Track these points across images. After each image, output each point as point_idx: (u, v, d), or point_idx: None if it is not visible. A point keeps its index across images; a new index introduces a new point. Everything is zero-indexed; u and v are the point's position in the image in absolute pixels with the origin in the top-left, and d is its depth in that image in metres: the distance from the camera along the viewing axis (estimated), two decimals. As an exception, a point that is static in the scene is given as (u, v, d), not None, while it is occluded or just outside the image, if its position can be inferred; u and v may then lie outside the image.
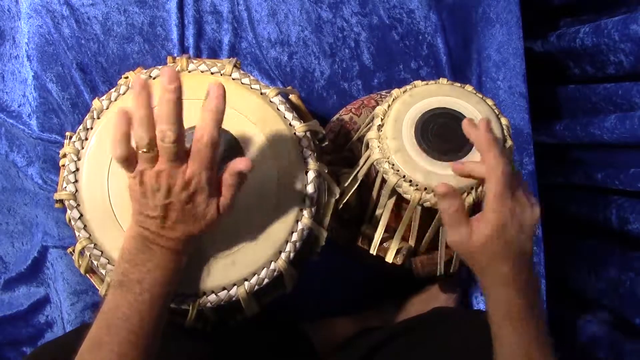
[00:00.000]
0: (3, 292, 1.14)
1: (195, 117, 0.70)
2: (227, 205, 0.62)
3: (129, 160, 0.59)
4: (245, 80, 0.76)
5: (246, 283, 0.69)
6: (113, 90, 0.75)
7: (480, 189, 0.75)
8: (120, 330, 0.59)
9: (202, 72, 0.76)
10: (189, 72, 0.77)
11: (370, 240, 0.87)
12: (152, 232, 0.61)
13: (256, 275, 0.69)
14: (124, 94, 0.74)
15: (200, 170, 0.59)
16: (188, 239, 0.62)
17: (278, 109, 0.75)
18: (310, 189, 0.72)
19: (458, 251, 0.71)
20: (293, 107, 0.80)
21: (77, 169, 0.71)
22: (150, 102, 0.57)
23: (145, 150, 0.57)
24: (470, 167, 0.73)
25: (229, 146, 0.70)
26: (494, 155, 0.67)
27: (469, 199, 0.74)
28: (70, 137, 0.74)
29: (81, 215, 0.70)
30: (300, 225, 0.71)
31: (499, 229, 0.66)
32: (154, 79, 0.75)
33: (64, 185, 0.71)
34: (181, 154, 0.58)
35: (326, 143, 0.83)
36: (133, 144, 0.59)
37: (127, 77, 0.76)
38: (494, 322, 0.68)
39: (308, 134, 0.75)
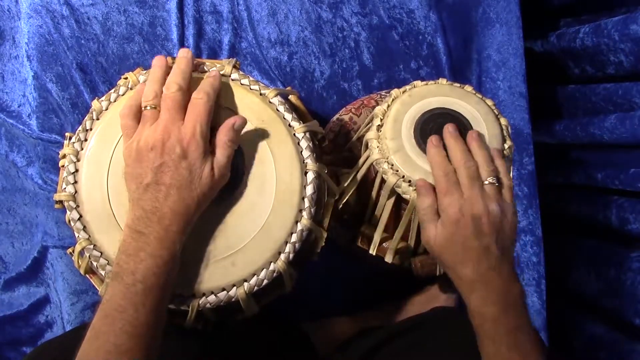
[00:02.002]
0: (3, 292, 1.14)
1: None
2: (222, 165, 0.65)
3: (130, 124, 0.66)
4: (245, 81, 0.76)
5: (245, 284, 0.69)
6: (112, 91, 0.75)
7: None
8: (116, 321, 0.59)
9: (201, 73, 0.76)
10: (189, 72, 0.77)
11: (369, 240, 0.87)
12: (146, 211, 0.62)
13: (255, 276, 0.69)
14: (123, 94, 0.74)
15: (194, 121, 0.64)
16: (183, 211, 0.63)
17: (277, 109, 0.75)
18: (309, 189, 0.72)
19: (429, 251, 0.74)
20: (292, 107, 0.80)
21: (77, 170, 0.71)
22: (167, 68, 0.69)
23: (151, 105, 0.65)
24: None
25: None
26: (434, 163, 0.73)
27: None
28: (70, 138, 0.74)
29: (80, 216, 0.70)
30: (299, 226, 0.71)
31: (452, 228, 0.68)
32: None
33: (64, 186, 0.71)
34: (181, 107, 0.65)
35: (326, 143, 0.83)
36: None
37: (126, 78, 0.75)
38: (475, 331, 0.70)
39: (307, 134, 0.75)
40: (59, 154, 0.75)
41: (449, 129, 0.75)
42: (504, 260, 0.68)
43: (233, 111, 0.73)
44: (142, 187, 0.62)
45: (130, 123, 0.66)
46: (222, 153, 0.65)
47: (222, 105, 0.73)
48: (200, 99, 0.65)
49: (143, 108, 0.66)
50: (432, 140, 0.75)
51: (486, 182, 0.70)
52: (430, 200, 0.72)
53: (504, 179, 0.72)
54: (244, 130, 0.72)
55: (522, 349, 0.66)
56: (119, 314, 0.59)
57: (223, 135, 0.66)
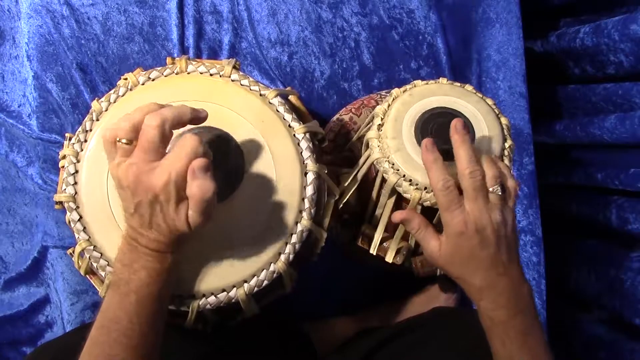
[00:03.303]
0: (3, 292, 1.14)
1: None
2: (196, 221, 0.58)
3: (110, 149, 0.58)
4: (245, 82, 0.76)
5: (245, 285, 0.69)
6: (112, 91, 0.74)
7: None
8: (110, 332, 0.59)
9: (201, 73, 0.76)
10: (188, 73, 0.76)
11: (370, 240, 0.86)
12: (134, 230, 0.60)
13: (255, 276, 0.69)
14: (123, 95, 0.74)
15: (169, 171, 0.56)
16: (168, 241, 0.60)
17: (277, 110, 0.75)
18: (309, 190, 0.72)
19: (433, 263, 0.72)
20: (292, 108, 0.80)
21: (77, 171, 0.71)
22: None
23: (125, 141, 0.57)
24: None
25: (228, 148, 0.70)
26: (432, 175, 0.68)
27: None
28: (70, 139, 0.74)
29: (81, 217, 0.70)
30: (299, 227, 0.71)
31: (457, 240, 0.67)
32: (153, 80, 0.75)
33: (64, 187, 0.71)
34: (157, 148, 0.57)
35: (326, 143, 0.83)
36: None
37: (126, 79, 0.75)
38: (485, 331, 0.69)
39: (307, 135, 0.75)
40: (59, 154, 0.75)
41: (456, 126, 0.70)
42: (512, 263, 0.68)
43: (234, 112, 0.73)
44: (129, 213, 0.60)
45: (109, 148, 0.59)
46: (195, 208, 0.57)
47: (224, 105, 0.73)
48: (182, 155, 0.56)
49: (117, 140, 0.58)
50: (427, 144, 0.70)
51: (491, 190, 0.68)
52: (417, 221, 0.72)
53: (509, 184, 0.70)
54: (245, 131, 0.72)
55: (532, 352, 0.66)
56: (113, 325, 0.59)
57: (195, 189, 0.56)
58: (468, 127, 0.74)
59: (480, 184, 0.67)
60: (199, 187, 0.56)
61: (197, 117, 0.60)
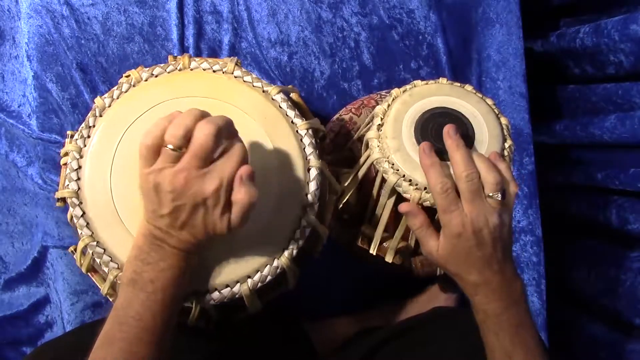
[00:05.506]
0: (3, 292, 1.13)
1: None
2: (236, 224, 0.60)
3: (150, 154, 0.58)
4: (247, 78, 0.76)
5: (249, 280, 0.69)
6: (115, 88, 0.74)
7: None
8: (132, 328, 0.59)
9: (204, 70, 0.76)
10: (191, 70, 0.77)
11: (370, 240, 0.86)
12: (162, 231, 0.61)
13: (259, 272, 0.69)
14: (126, 91, 0.74)
15: (221, 178, 0.58)
16: (198, 242, 0.61)
17: (280, 106, 0.75)
18: (312, 186, 0.72)
19: (431, 260, 0.74)
20: (294, 105, 0.80)
21: (80, 167, 0.71)
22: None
23: (173, 147, 0.57)
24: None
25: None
26: (430, 178, 0.70)
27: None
28: (71, 136, 0.74)
29: (83, 213, 0.69)
30: (303, 223, 0.71)
31: (454, 241, 0.68)
32: (156, 76, 0.75)
33: (66, 183, 0.70)
34: (209, 156, 0.58)
35: (327, 141, 0.83)
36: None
37: (128, 76, 0.75)
38: (479, 325, 0.71)
39: (310, 131, 0.75)
40: (59, 154, 0.75)
41: (449, 132, 0.72)
42: (506, 261, 0.69)
43: (237, 109, 0.73)
44: (158, 215, 0.60)
45: (150, 155, 0.59)
46: (239, 213, 0.60)
47: (227, 101, 0.73)
48: (233, 162, 0.59)
49: (165, 145, 0.58)
50: (424, 148, 0.71)
51: (490, 196, 0.68)
52: (421, 219, 0.72)
53: (510, 189, 0.71)
54: (248, 127, 0.72)
55: (525, 344, 0.68)
56: (135, 322, 0.59)
57: (242, 195, 0.59)
58: (461, 131, 0.74)
59: (476, 187, 0.68)
60: (247, 193, 0.58)
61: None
